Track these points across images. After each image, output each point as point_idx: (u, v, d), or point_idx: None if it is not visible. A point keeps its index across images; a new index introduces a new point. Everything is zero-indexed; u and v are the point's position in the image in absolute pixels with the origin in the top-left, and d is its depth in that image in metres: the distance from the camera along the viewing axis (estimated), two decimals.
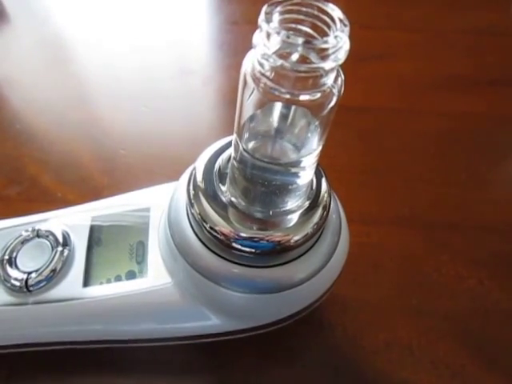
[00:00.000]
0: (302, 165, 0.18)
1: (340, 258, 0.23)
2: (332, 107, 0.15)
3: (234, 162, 0.18)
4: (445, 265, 0.30)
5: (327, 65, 0.13)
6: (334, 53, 0.13)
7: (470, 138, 0.38)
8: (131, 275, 0.22)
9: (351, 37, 0.14)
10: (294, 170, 0.18)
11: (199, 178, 0.20)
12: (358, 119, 0.38)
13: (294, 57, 0.13)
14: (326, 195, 0.20)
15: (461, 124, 0.39)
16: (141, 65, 0.43)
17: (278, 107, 0.17)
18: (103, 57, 0.44)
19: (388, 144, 0.37)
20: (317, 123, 0.16)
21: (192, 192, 0.20)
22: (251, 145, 0.18)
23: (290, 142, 0.17)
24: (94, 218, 0.24)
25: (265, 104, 0.16)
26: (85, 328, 0.22)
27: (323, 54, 0.13)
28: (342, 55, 0.13)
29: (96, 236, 0.23)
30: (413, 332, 0.27)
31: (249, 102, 0.16)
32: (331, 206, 0.21)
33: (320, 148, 0.17)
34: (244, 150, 0.17)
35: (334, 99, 0.15)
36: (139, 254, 0.23)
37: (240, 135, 0.17)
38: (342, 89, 0.15)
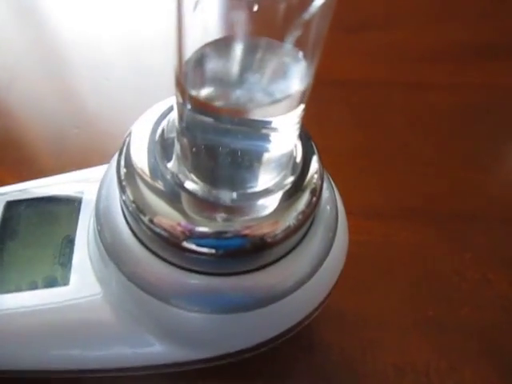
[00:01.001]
0: (278, 120, 0.12)
1: (336, 261, 0.17)
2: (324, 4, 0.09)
3: (179, 126, 0.13)
4: (467, 266, 0.24)
5: None
6: None
7: (491, 112, 0.32)
8: (50, 282, 0.16)
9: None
10: (267, 128, 0.12)
11: (134, 151, 0.14)
12: (356, 95, 0.33)
13: None
14: (316, 176, 0.14)
15: (479, 97, 0.33)
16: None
17: (237, 34, 0.11)
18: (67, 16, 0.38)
19: (392, 123, 0.31)
20: (297, 44, 0.10)
21: (124, 171, 0.14)
22: (201, 96, 0.11)
23: (258, 85, 0.11)
24: (8, 204, 0.18)
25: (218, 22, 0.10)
26: None
27: None
28: None
29: (10, 227, 0.18)
30: (430, 353, 0.21)
31: (193, 23, 0.10)
32: (324, 191, 0.15)
33: (304, 90, 0.11)
34: (191, 104, 0.12)
35: None
36: (64, 253, 0.17)
37: (183, 83, 0.11)
38: None
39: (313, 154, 0.15)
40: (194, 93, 0.11)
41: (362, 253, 0.23)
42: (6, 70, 0.33)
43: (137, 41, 0.36)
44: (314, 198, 0.14)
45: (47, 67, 0.34)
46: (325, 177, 0.15)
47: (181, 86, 0.11)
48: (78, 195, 0.18)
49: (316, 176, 0.14)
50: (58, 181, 0.19)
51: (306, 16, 0.10)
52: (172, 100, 0.15)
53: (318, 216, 0.16)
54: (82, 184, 0.18)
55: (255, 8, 0.10)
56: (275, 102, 0.11)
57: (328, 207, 0.16)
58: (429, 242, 0.25)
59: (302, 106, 0.12)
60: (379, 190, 0.27)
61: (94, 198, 0.17)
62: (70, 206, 0.18)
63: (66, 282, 0.16)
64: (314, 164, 0.14)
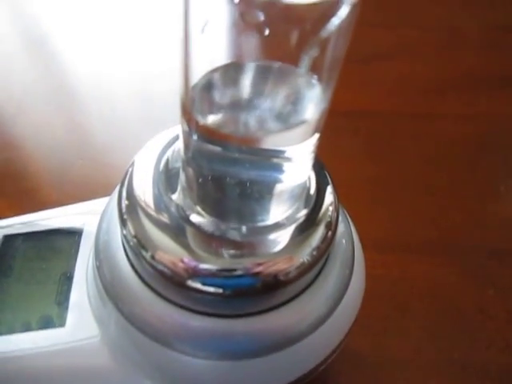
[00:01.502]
0: (291, 149, 0.11)
1: (354, 299, 0.16)
2: (345, 21, 0.08)
3: (185, 155, 0.12)
4: (491, 303, 0.23)
5: None
6: None
7: (505, 142, 0.31)
8: (46, 322, 0.15)
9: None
10: (279, 158, 0.11)
11: (137, 182, 0.13)
12: (367, 125, 0.32)
13: None
14: (331, 208, 0.13)
15: (491, 127, 0.32)
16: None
17: (247, 58, 0.10)
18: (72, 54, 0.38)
19: (404, 153, 0.30)
20: (311, 68, 0.09)
21: (125, 203, 0.13)
22: (209, 122, 0.11)
23: (269, 111, 0.10)
24: (5, 239, 0.17)
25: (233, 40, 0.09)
26: None
27: None
28: None
29: (5, 263, 0.17)
30: None
31: (201, 45, 0.09)
32: (339, 224, 0.14)
33: (318, 118, 0.10)
34: (198, 131, 0.11)
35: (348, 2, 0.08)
36: (62, 291, 0.16)
37: (190, 109, 0.10)
38: None
39: (327, 184, 0.14)
40: (201, 119, 0.10)
41: (378, 288, 0.21)
42: (13, 102, 0.33)
43: (143, 73, 0.36)
44: (330, 233, 0.13)
45: (54, 99, 0.33)
46: (340, 209, 0.14)
47: (187, 112, 0.10)
48: (79, 229, 0.17)
49: (331, 208, 0.13)
50: (57, 214, 0.18)
51: (322, 38, 0.09)
52: (177, 129, 0.14)
53: (334, 251, 0.14)
54: (82, 217, 0.17)
55: (266, 32, 0.09)
56: (288, 129, 0.10)
57: (344, 241, 0.15)
58: (448, 276, 0.24)
59: (317, 136, 0.11)
60: (393, 221, 0.26)
61: (94, 231, 0.16)
62: (69, 240, 0.17)
63: (62, 323, 0.15)
64: (329, 196, 0.13)
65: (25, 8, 0.43)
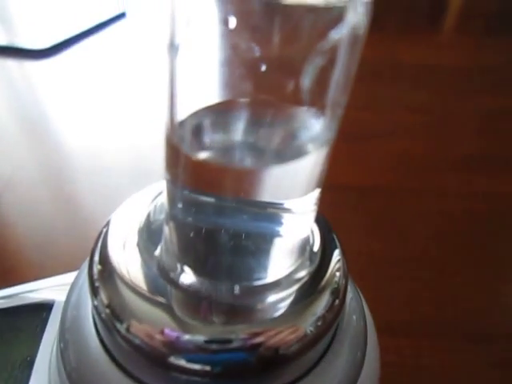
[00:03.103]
0: (290, 202, 0.09)
1: None
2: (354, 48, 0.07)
3: (169, 208, 0.10)
4: None
5: None
6: None
7: (506, 221, 0.30)
8: None
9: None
10: (276, 208, 0.09)
11: (112, 243, 0.11)
12: (367, 200, 0.31)
13: None
14: (338, 274, 0.11)
15: (492, 206, 0.31)
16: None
17: (241, 96, 0.09)
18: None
19: (408, 228, 0.29)
20: (312, 104, 0.08)
21: (98, 268, 0.11)
22: (199, 158, 0.09)
23: (266, 147, 0.09)
24: None
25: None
26: None
27: None
28: None
29: None
30: None
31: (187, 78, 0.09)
32: (348, 295, 0.12)
33: (324, 158, 0.09)
34: (186, 176, 0.09)
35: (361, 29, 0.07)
36: (20, 379, 0.13)
37: (178, 145, 0.09)
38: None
39: (335, 248, 0.12)
40: (190, 155, 0.09)
41: (391, 377, 0.19)
42: (1, 179, 0.32)
43: (135, 148, 0.36)
44: (337, 301, 0.11)
45: (42, 174, 0.33)
46: (349, 280, 0.13)
47: (174, 150, 0.09)
48: (48, 305, 0.15)
49: (338, 274, 0.11)
50: (26, 289, 0.16)
51: (322, 69, 0.08)
52: (155, 187, 0.13)
53: (343, 328, 0.12)
54: (53, 292, 0.15)
55: (263, 68, 0.08)
56: (287, 163, 0.09)
57: (354, 318, 0.13)
58: (467, 365, 0.21)
59: (318, 190, 0.10)
60: (405, 302, 0.24)
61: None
62: (35, 318, 0.15)
63: None
64: (336, 258, 0.12)
65: (14, 83, 0.45)
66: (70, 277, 0.16)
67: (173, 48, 0.08)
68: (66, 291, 0.15)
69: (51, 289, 0.16)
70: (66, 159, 0.35)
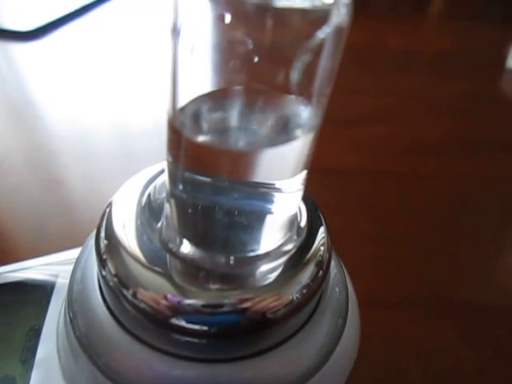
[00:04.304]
0: (280, 183, 0.10)
1: (347, 353, 0.15)
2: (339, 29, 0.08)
3: (170, 187, 0.11)
4: (490, 364, 0.21)
5: None
6: None
7: (487, 204, 0.31)
8: (8, 383, 0.13)
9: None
10: (268, 189, 0.10)
11: (116, 221, 0.12)
12: (352, 183, 0.32)
13: None
14: (322, 248, 0.13)
15: (470, 189, 0.33)
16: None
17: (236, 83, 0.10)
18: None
19: (392, 209, 0.30)
20: (300, 91, 0.09)
21: (104, 243, 0.12)
22: (198, 141, 0.10)
23: (260, 129, 0.10)
24: None
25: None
26: None
27: None
28: None
29: None
30: None
31: (189, 67, 0.09)
32: (332, 269, 0.13)
33: (311, 142, 0.10)
34: (186, 159, 0.10)
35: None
36: (28, 347, 0.14)
37: (179, 129, 0.10)
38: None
39: (320, 224, 0.13)
40: (190, 137, 0.10)
41: (371, 348, 0.20)
42: None
43: (125, 131, 0.37)
44: (321, 272, 0.12)
45: (33, 159, 0.33)
46: (333, 254, 0.14)
47: (176, 133, 0.10)
48: (51, 280, 0.16)
49: (323, 248, 0.13)
50: (28, 265, 0.17)
51: (311, 57, 0.09)
52: (146, 173, 0.14)
53: (326, 297, 0.14)
54: (55, 267, 0.16)
55: (256, 60, 0.09)
56: (279, 145, 0.10)
57: (337, 289, 0.14)
58: (442, 335, 0.23)
59: (305, 172, 0.11)
60: (384, 277, 0.25)
61: (67, 282, 0.15)
62: (40, 292, 0.15)
63: (25, 383, 0.13)
64: (321, 234, 0.13)
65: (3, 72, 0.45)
66: (70, 253, 0.18)
67: (175, 34, 0.09)
68: (68, 266, 0.16)
69: (52, 265, 0.17)
70: (54, 143, 0.35)
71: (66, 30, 0.55)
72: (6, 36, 0.52)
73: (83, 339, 0.12)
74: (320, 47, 0.09)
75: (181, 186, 0.11)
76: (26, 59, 0.48)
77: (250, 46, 0.09)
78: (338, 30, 0.09)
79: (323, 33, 0.08)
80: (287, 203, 0.11)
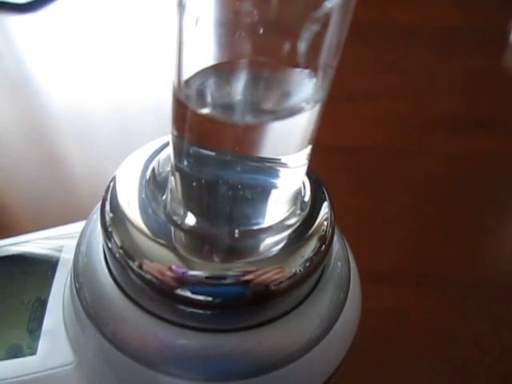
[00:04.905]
0: (285, 158, 0.11)
1: (349, 325, 0.15)
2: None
3: (175, 160, 0.11)
4: (486, 338, 0.22)
5: None
6: None
7: (487, 181, 0.32)
8: (15, 351, 0.14)
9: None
10: (272, 164, 0.10)
11: (121, 194, 0.12)
12: (355, 160, 0.32)
13: None
14: (325, 223, 0.13)
15: (471, 166, 0.33)
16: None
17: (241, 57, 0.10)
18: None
19: (392, 187, 0.30)
20: (306, 63, 0.09)
21: (110, 215, 0.12)
22: (203, 113, 0.10)
23: (264, 101, 0.10)
24: None
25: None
26: None
27: None
28: None
29: None
30: None
31: (194, 39, 0.09)
32: (335, 244, 0.14)
33: (317, 116, 0.10)
34: (191, 132, 0.10)
35: None
36: (35, 317, 0.14)
37: (185, 102, 0.10)
38: None
39: (324, 200, 0.13)
40: (195, 110, 0.10)
41: (370, 320, 0.20)
42: None
43: (122, 105, 0.36)
44: (324, 246, 0.12)
45: (32, 134, 0.33)
46: (336, 229, 0.14)
47: (181, 106, 0.10)
48: (56, 253, 0.16)
49: (326, 223, 0.13)
50: (33, 238, 0.17)
51: (317, 29, 0.09)
52: (152, 145, 0.14)
53: (328, 271, 0.14)
54: (59, 241, 0.16)
55: (261, 32, 0.09)
56: (284, 118, 0.10)
57: (339, 264, 0.15)
58: (441, 309, 0.23)
59: (310, 147, 0.11)
60: (384, 253, 0.25)
61: (72, 255, 0.15)
62: (45, 263, 0.16)
63: (32, 352, 0.13)
64: (325, 209, 0.13)
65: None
66: (72, 227, 0.18)
67: (181, 7, 0.09)
68: (71, 240, 0.16)
69: (56, 238, 0.17)
70: (53, 118, 0.35)
71: (64, 2, 0.54)
72: (3, 8, 0.51)
73: (90, 310, 0.13)
74: (327, 17, 0.08)
75: (185, 160, 0.11)
76: (23, 32, 0.47)
77: (256, 18, 0.09)
78: (346, 1, 0.08)
79: (331, 2, 0.08)
80: (292, 178, 0.11)
